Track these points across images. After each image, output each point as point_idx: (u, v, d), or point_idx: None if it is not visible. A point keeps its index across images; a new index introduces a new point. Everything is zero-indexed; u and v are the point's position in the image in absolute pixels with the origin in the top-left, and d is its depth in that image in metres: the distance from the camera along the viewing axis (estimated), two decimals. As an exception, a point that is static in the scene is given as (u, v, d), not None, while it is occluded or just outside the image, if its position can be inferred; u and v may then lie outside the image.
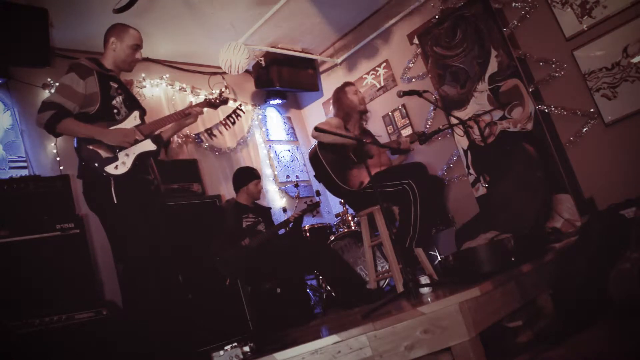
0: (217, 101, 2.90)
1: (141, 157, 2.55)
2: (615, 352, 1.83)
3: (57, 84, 2.53)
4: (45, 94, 4.02)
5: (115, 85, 2.62)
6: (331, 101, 3.58)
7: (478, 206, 4.56)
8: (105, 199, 2.43)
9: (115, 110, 2.56)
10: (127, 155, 2.50)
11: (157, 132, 2.71)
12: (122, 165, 2.46)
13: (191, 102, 2.94)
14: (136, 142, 2.53)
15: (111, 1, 3.48)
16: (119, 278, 3.48)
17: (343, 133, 3.07)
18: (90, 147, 2.45)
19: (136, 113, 2.63)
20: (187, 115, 2.73)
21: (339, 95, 3.38)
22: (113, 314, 2.88)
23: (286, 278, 3.82)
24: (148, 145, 2.59)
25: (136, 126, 2.58)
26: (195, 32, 4.72)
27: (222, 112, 5.29)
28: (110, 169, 2.44)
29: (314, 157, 3.17)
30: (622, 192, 3.51)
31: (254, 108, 5.73)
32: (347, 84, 3.43)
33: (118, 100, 2.59)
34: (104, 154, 2.46)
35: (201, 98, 5.13)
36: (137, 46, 2.70)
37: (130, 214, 2.46)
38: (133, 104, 2.69)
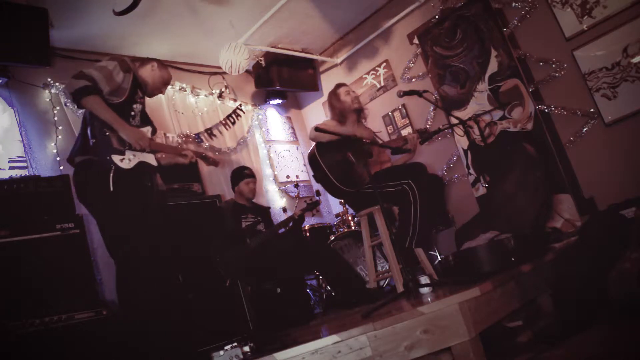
0: (210, 159, 3.10)
1: (142, 165, 2.62)
2: (616, 352, 1.83)
3: (98, 63, 2.60)
4: (46, 94, 4.03)
5: (140, 95, 2.76)
6: (327, 104, 3.60)
7: (478, 206, 4.55)
8: (100, 185, 2.45)
9: (132, 113, 2.67)
10: (133, 155, 2.57)
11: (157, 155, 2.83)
12: (127, 161, 2.53)
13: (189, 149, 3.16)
14: (143, 150, 2.62)
15: (111, 1, 3.48)
16: (116, 277, 3.47)
17: (341, 132, 3.07)
18: (107, 133, 2.50)
19: (148, 128, 2.76)
20: (183, 155, 2.89)
21: (332, 97, 3.41)
22: (113, 314, 2.88)
23: (286, 278, 3.82)
24: (151, 159, 2.69)
25: None
26: (196, 32, 4.72)
27: (222, 112, 5.30)
28: (116, 158, 2.49)
29: (312, 158, 3.16)
30: (622, 192, 3.51)
31: (254, 108, 5.72)
32: (338, 85, 3.45)
33: (137, 107, 2.72)
34: (115, 144, 2.52)
35: (201, 98, 5.14)
36: (166, 85, 2.92)
37: (124, 205, 2.48)
38: (146, 118, 2.81)
